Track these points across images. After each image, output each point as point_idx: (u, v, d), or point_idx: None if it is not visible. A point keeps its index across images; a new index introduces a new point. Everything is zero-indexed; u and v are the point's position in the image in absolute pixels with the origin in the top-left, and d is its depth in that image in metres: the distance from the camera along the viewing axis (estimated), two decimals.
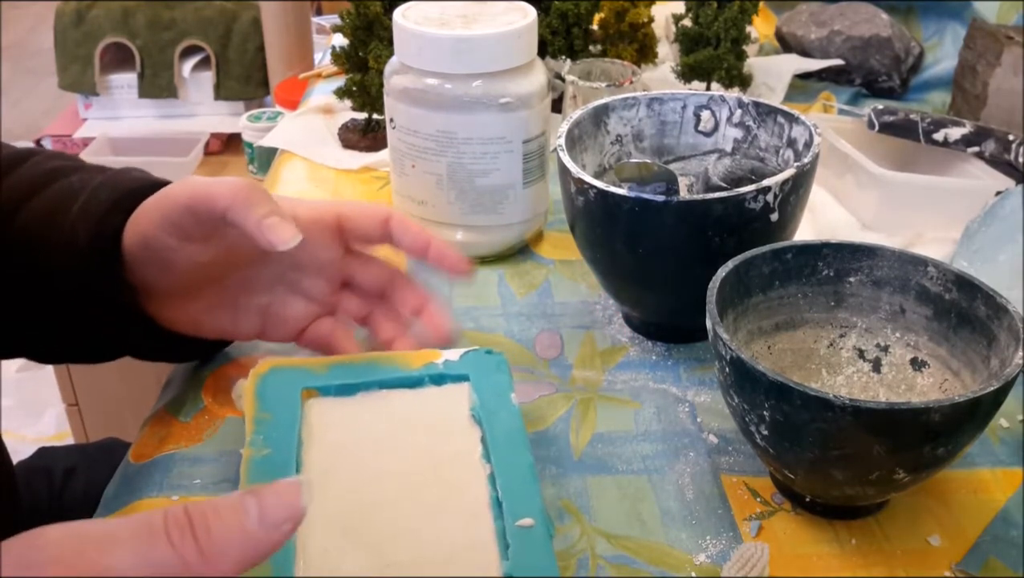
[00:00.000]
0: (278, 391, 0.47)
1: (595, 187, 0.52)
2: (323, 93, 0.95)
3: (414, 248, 0.51)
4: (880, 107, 0.73)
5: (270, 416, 0.45)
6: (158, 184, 0.49)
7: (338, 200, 0.52)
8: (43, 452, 0.84)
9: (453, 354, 0.50)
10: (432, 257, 0.50)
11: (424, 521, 0.41)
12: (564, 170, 0.54)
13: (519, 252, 0.68)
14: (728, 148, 0.61)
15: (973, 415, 0.39)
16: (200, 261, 0.48)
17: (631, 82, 0.74)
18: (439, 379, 0.49)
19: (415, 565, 0.39)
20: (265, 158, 1.50)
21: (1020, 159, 0.70)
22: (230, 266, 0.50)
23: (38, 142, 1.72)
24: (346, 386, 0.48)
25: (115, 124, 1.72)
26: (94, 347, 0.52)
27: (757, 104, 0.60)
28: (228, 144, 1.69)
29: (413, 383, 0.48)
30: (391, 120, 0.64)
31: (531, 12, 0.62)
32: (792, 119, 0.57)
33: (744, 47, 0.82)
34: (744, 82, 0.83)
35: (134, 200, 0.47)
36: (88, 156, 1.59)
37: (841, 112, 0.86)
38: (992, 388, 0.39)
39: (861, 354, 0.50)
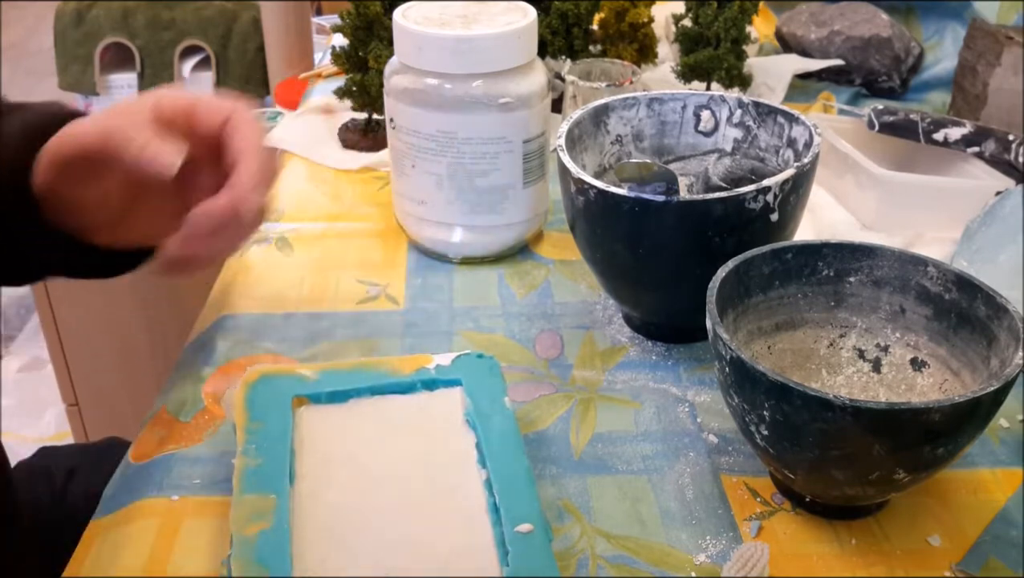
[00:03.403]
0: (269, 400, 0.46)
1: (595, 187, 0.52)
2: (323, 93, 0.95)
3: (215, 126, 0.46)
4: (880, 107, 0.73)
5: (261, 425, 0.45)
6: (59, 118, 0.49)
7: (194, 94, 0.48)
8: (44, 452, 0.84)
9: (445, 359, 0.49)
10: (226, 132, 0.46)
11: (421, 528, 0.41)
12: (564, 170, 0.54)
13: (519, 252, 0.68)
14: (728, 148, 0.61)
15: (973, 415, 0.39)
16: (105, 193, 0.49)
17: (631, 82, 0.74)
18: (431, 384, 0.48)
19: (414, 572, 0.39)
20: None
21: (1020, 159, 0.70)
22: (135, 188, 0.50)
23: None
24: (337, 393, 0.48)
25: None
26: (18, 267, 0.54)
27: (757, 104, 0.59)
28: None
29: (405, 389, 0.48)
30: (391, 120, 0.64)
31: (531, 12, 0.62)
32: (792, 119, 0.57)
33: (744, 47, 0.82)
34: (744, 82, 0.83)
35: (43, 138, 0.47)
36: None
37: (841, 112, 0.86)
38: (992, 388, 0.39)
39: (861, 354, 0.50)
